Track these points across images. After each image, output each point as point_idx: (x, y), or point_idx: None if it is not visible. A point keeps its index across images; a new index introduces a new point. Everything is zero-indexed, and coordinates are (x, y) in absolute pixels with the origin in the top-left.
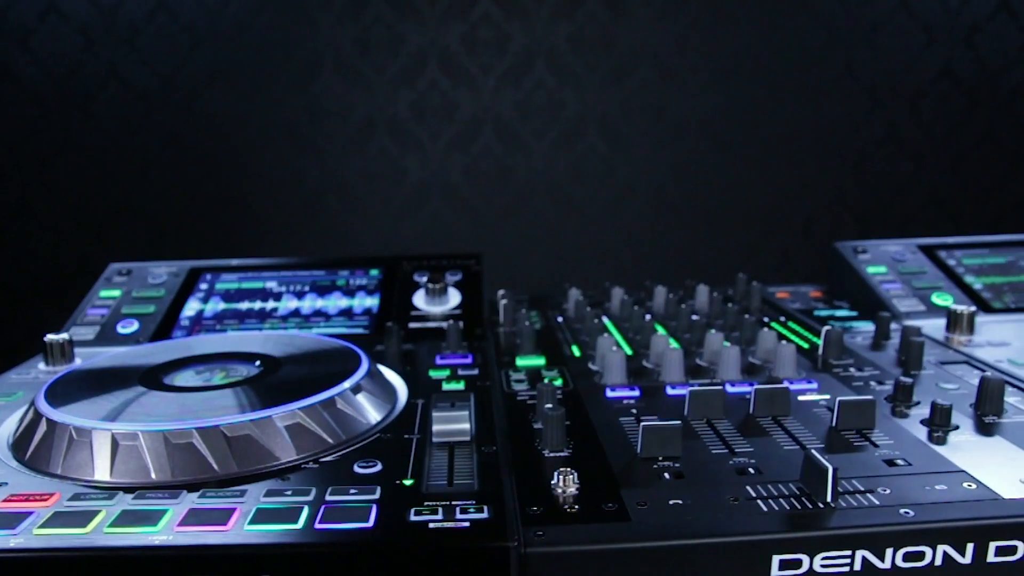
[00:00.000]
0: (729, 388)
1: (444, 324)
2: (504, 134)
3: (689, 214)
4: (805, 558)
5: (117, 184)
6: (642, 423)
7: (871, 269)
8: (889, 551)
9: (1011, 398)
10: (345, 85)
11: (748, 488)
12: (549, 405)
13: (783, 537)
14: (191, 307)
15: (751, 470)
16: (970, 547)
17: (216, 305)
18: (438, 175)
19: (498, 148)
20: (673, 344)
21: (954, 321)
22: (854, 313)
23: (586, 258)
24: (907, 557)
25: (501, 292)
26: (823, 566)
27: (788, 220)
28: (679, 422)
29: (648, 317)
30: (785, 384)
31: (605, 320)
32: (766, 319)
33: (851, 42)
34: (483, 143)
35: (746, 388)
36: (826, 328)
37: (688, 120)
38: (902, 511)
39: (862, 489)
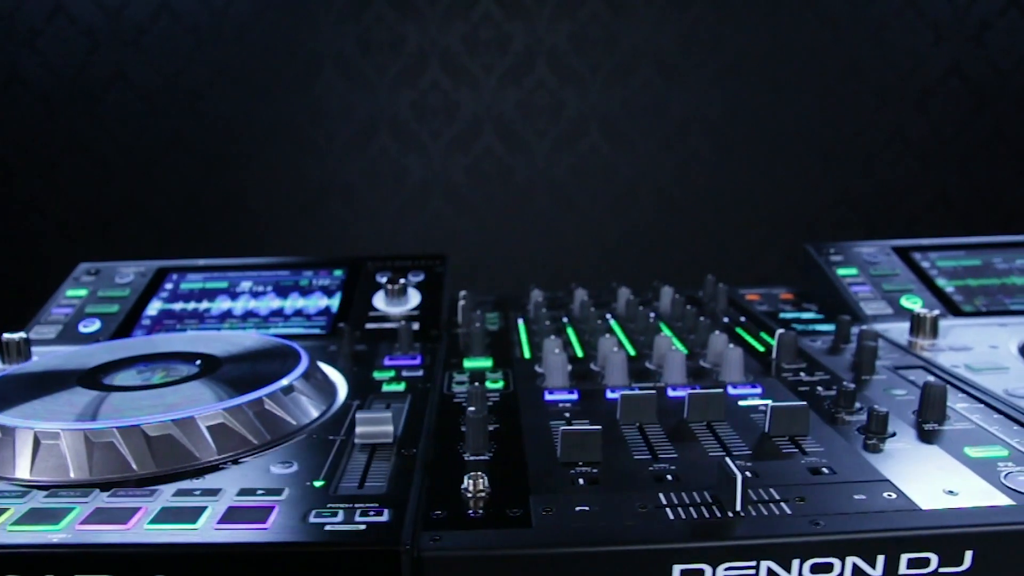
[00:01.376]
0: (671, 392)
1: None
2: (505, 134)
3: (692, 214)
4: (708, 568)
5: (122, 184)
6: (561, 428)
7: (841, 271)
8: (796, 562)
9: (960, 404)
10: (346, 85)
11: (661, 495)
12: (472, 408)
13: (684, 546)
14: (154, 307)
15: (669, 477)
16: (880, 559)
17: (178, 305)
18: (439, 175)
19: (499, 148)
20: (626, 347)
21: (917, 325)
22: (821, 316)
23: (588, 258)
24: (815, 568)
25: (463, 293)
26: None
27: (792, 220)
28: (599, 427)
29: (609, 318)
30: (720, 389)
31: (565, 322)
32: (727, 320)
33: (857, 40)
34: (484, 143)
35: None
36: (779, 332)
37: (691, 119)
38: (813, 521)
39: (777, 498)
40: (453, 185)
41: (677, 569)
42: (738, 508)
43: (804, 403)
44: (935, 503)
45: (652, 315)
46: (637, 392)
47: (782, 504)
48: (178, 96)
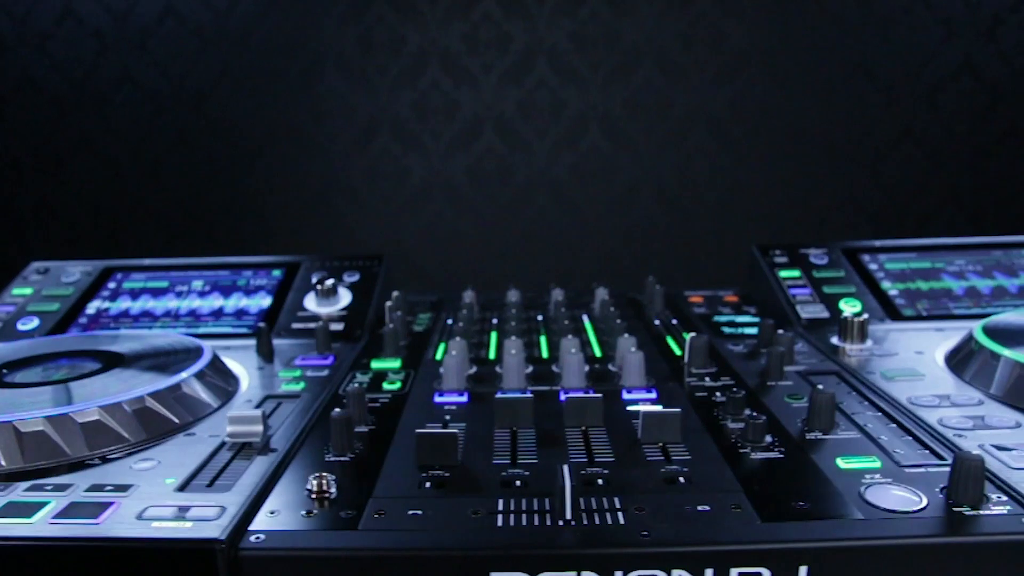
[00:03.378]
0: (562, 396)
1: (330, 324)
2: (506, 133)
3: (695, 214)
4: None
5: (130, 183)
6: (416, 431)
7: (783, 273)
8: (618, 574)
9: (859, 412)
10: (348, 86)
11: (501, 501)
12: (338, 409)
13: (501, 553)
14: (93, 305)
15: (518, 483)
16: (709, 572)
17: (116, 304)
18: (440, 174)
19: (500, 147)
20: (542, 350)
21: (845, 329)
22: (756, 319)
23: (589, 258)
24: None
25: (395, 293)
26: None
27: (799, 221)
28: (455, 431)
29: (540, 320)
30: (598, 395)
31: (495, 323)
32: (658, 323)
33: (864, 36)
34: (485, 142)
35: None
36: (690, 336)
37: (693, 118)
38: (642, 532)
39: (618, 507)
40: (454, 185)
41: None
42: (568, 516)
43: (677, 410)
44: (779, 516)
45: (583, 316)
46: (512, 396)
47: (619, 513)
48: (184, 97)
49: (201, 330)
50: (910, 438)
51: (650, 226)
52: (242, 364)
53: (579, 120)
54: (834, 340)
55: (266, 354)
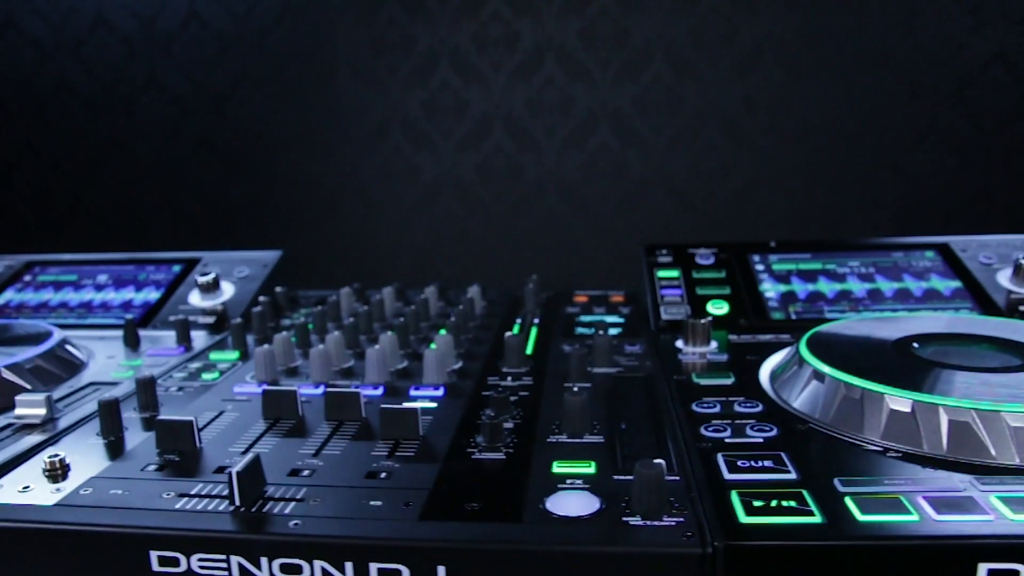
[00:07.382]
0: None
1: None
2: (515, 131)
3: (707, 213)
4: (182, 557)
5: (156, 181)
6: (157, 418)
7: (662, 273)
8: (264, 560)
9: (641, 417)
10: (361, 86)
11: (203, 485)
12: (107, 395)
13: (159, 534)
14: (3, 297)
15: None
16: (349, 566)
17: (21, 296)
18: (450, 173)
19: (509, 146)
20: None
21: (686, 332)
22: (622, 320)
23: (598, 257)
24: (284, 568)
25: (277, 289)
26: (200, 567)
27: (817, 220)
28: (191, 419)
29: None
30: (354, 390)
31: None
32: (519, 320)
33: (886, 27)
34: (494, 141)
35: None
36: (507, 335)
37: (705, 115)
38: (295, 523)
39: (299, 498)
40: (464, 183)
41: (154, 555)
42: (237, 503)
43: (415, 408)
44: (438, 515)
45: (451, 316)
46: (278, 388)
47: (293, 503)
48: (205, 99)
49: (89, 320)
50: (653, 444)
51: (661, 225)
52: (102, 353)
53: (588, 118)
54: (679, 343)
55: (132, 344)
